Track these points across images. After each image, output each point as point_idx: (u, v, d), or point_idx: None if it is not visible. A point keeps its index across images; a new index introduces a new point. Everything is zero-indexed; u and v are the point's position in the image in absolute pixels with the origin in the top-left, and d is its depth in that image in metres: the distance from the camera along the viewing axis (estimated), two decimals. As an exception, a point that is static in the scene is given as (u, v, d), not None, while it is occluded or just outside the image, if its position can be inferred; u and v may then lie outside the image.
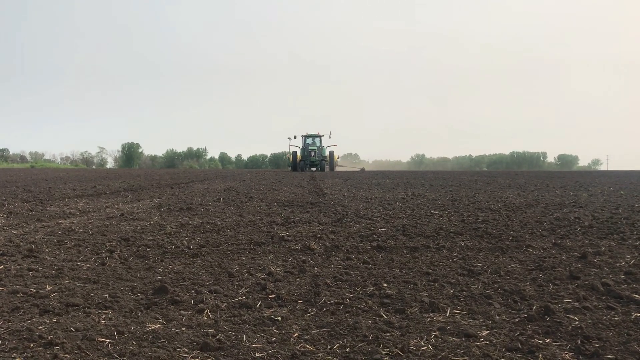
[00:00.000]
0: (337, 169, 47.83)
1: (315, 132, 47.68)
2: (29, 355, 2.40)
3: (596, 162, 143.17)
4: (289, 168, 47.87)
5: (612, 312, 3.06)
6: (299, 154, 45.86)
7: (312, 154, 44.49)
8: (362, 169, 52.92)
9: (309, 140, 47.31)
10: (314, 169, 45.20)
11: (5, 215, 7.62)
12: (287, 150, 47.86)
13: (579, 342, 2.58)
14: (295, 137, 46.95)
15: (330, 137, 47.02)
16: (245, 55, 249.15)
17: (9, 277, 3.83)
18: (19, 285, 3.61)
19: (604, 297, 3.36)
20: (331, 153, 45.50)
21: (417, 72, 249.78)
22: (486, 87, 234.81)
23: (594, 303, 3.24)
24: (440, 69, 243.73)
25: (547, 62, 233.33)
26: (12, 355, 2.39)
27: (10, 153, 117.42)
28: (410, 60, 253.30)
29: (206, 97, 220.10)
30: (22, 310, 3.05)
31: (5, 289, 3.49)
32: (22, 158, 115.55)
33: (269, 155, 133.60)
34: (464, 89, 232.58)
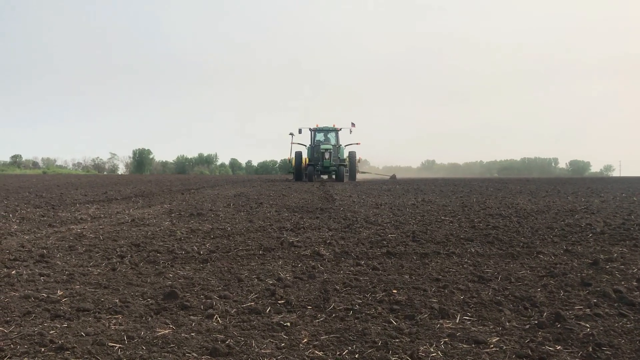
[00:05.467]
0: (360, 176, 35.33)
1: (329, 125, 33.66)
2: (40, 359, 2.42)
3: (608, 168, 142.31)
4: (292, 176, 34.33)
5: (624, 319, 3.03)
6: (305, 155, 32.59)
7: (326, 155, 30.57)
8: (393, 176, 40.96)
9: (321, 136, 33.35)
10: (325, 177, 33.37)
11: (17, 221, 7.69)
12: (293, 151, 33.61)
13: (591, 350, 2.56)
14: (300, 132, 32.55)
15: (351, 131, 32.80)
16: (256, 61, 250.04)
17: (20, 282, 3.86)
18: (31, 290, 3.64)
19: (616, 304, 3.33)
20: (352, 155, 32.28)
21: (427, 77, 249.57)
22: (497, 93, 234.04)
23: (606, 310, 3.20)
24: (450, 74, 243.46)
25: (559, 67, 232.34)
26: (24, 360, 2.41)
27: (23, 159, 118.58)
28: (420, 64, 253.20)
29: (217, 104, 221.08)
30: (33, 315, 3.08)
31: (17, 294, 3.52)
32: (35, 164, 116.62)
33: (279, 161, 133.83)
34: (475, 94, 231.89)
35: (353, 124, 32.85)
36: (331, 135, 33.32)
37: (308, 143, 33.87)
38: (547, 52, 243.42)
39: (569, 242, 5.84)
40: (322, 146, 31.17)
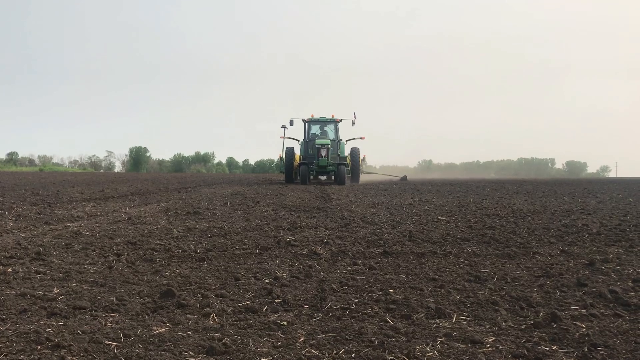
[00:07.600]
0: (365, 177, 29.49)
1: (327, 116, 26.71)
2: (36, 357, 2.41)
3: (605, 169, 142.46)
4: (283, 175, 27.69)
5: (620, 320, 3.04)
6: (298, 152, 26.52)
7: (322, 152, 24.10)
8: (404, 177, 33.84)
9: (317, 129, 26.83)
10: (324, 177, 27.13)
11: (13, 219, 7.67)
12: (285, 147, 27.19)
13: (586, 350, 2.57)
14: (292, 124, 25.89)
15: (354, 123, 26.39)
16: (252, 59, 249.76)
17: (17, 280, 3.86)
18: (27, 287, 3.63)
19: (611, 305, 3.34)
20: (354, 152, 25.76)
21: (423, 77, 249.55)
22: (494, 93, 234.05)
23: (602, 310, 3.22)
24: (447, 73, 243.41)
25: (555, 67, 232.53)
26: (20, 357, 2.40)
27: (19, 156, 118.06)
28: (417, 64, 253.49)
29: (214, 102, 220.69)
30: (29, 313, 3.07)
31: (13, 292, 3.51)
32: (31, 161, 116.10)
33: (275, 159, 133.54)
34: (472, 94, 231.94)
35: (355, 115, 26.45)
36: (329, 128, 26.66)
37: (302, 137, 27.00)
38: (543, 52, 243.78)
39: (565, 242, 5.85)
40: (318, 141, 24.56)
